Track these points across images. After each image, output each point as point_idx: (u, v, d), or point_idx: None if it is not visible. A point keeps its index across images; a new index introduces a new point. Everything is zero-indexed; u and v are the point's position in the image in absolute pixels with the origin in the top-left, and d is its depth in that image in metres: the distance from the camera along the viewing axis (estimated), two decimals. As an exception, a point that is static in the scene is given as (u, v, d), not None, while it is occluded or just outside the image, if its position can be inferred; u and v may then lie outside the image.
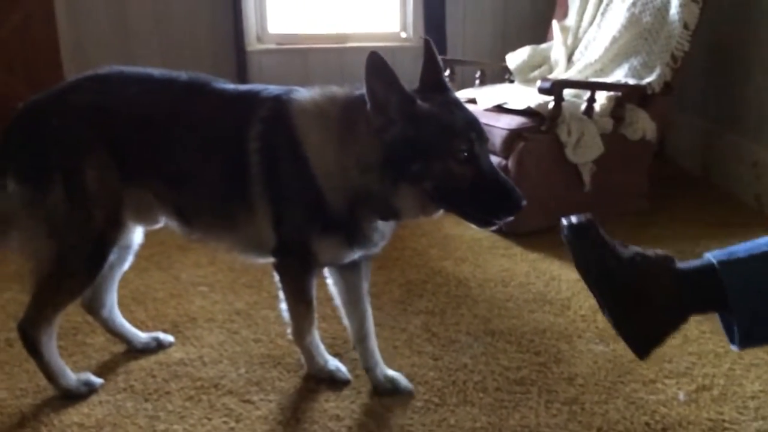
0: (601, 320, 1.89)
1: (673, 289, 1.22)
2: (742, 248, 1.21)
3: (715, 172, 3.04)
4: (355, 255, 1.47)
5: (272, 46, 3.54)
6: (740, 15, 2.86)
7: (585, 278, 1.28)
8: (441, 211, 1.37)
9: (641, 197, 2.73)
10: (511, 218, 1.34)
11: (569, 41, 2.94)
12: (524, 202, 1.31)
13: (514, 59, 3.03)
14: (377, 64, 1.24)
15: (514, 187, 1.31)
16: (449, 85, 1.41)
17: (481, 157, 1.31)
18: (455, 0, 3.49)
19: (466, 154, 1.29)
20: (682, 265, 1.25)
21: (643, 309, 1.23)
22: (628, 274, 1.22)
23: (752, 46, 2.79)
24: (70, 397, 1.53)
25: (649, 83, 2.56)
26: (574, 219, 1.27)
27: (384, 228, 1.44)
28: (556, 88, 2.38)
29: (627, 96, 2.54)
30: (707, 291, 1.21)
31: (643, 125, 2.57)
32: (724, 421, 1.46)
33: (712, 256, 1.22)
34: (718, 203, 2.82)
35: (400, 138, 1.28)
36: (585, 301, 2.00)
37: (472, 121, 1.33)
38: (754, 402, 1.52)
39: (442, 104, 1.32)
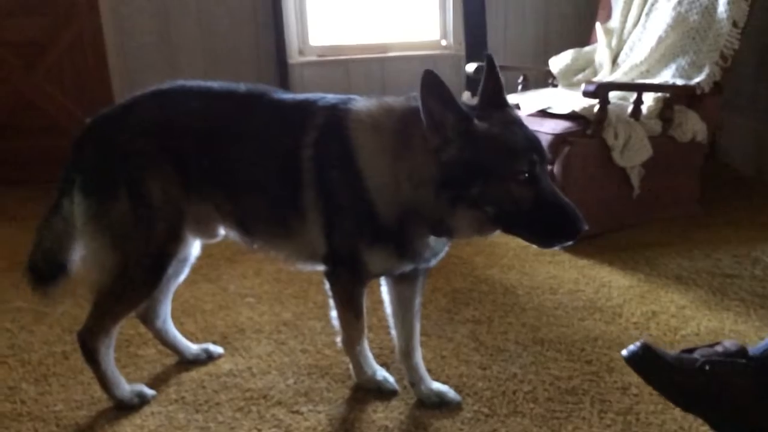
0: (655, 327, 1.85)
1: (752, 384, 1.19)
2: None
3: (770, 173, 2.95)
4: (406, 268, 1.45)
5: (313, 58, 3.57)
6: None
7: (676, 404, 1.28)
8: (497, 231, 1.32)
9: (693, 201, 2.65)
10: (571, 242, 1.29)
11: (614, 43, 2.89)
12: (586, 227, 1.25)
13: (557, 63, 2.99)
14: (432, 82, 1.20)
15: (575, 211, 1.26)
16: (509, 102, 1.36)
17: (541, 178, 1.25)
18: (495, 6, 3.47)
19: (527, 175, 1.23)
20: (756, 350, 1.22)
21: (737, 412, 1.20)
22: (705, 387, 1.20)
23: (806, 41, 2.70)
24: (124, 408, 1.56)
25: (698, 83, 2.50)
26: (626, 353, 1.26)
27: (436, 244, 1.41)
28: (601, 91, 2.34)
29: (675, 97, 2.49)
30: None
31: (692, 126, 2.50)
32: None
33: None
34: (775, 205, 2.73)
35: (458, 159, 1.24)
36: (637, 309, 1.95)
37: (533, 141, 1.27)
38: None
39: (502, 123, 1.27)
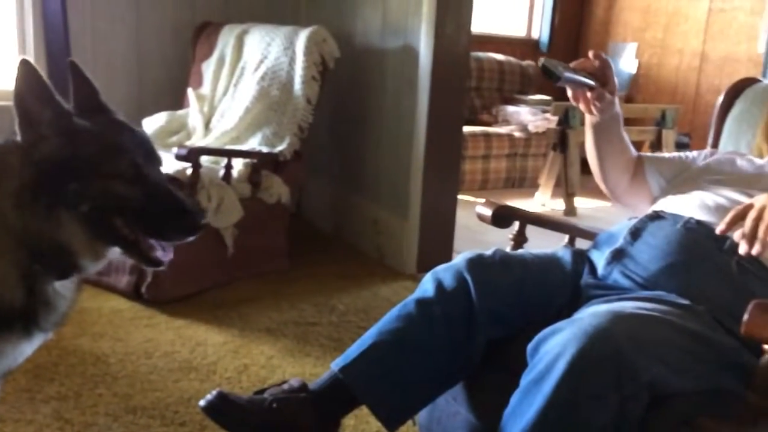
0: (246, 380, 1.95)
1: (315, 414, 1.32)
2: (354, 348, 1.35)
3: (345, 230, 3.38)
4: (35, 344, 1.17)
5: None
6: (355, 92, 3.27)
7: None
8: (115, 251, 1.18)
9: (281, 257, 2.89)
10: (192, 238, 1.25)
11: (206, 109, 3.03)
12: (204, 220, 1.22)
13: (151, 124, 3.00)
14: (30, 73, 1.07)
15: (193, 207, 1.21)
16: (110, 106, 1.29)
17: (152, 176, 1.18)
18: (83, 64, 3.32)
19: (133, 173, 1.14)
20: (313, 385, 1.36)
21: None
22: (275, 422, 1.29)
23: (365, 119, 3.21)
24: None
25: (281, 151, 2.76)
26: (203, 403, 1.30)
27: (61, 294, 1.17)
28: (193, 156, 2.42)
29: (262, 163, 2.71)
30: (344, 398, 1.33)
31: (278, 190, 2.75)
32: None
33: (334, 365, 1.35)
34: (348, 258, 3.13)
35: (54, 156, 1.09)
36: (230, 364, 2.03)
37: (141, 139, 1.20)
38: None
39: (105, 123, 1.18)
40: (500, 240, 1.70)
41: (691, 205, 1.40)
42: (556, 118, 4.57)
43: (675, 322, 1.12)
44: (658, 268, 1.29)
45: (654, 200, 1.57)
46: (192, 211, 1.21)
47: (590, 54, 1.44)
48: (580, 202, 4.53)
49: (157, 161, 1.25)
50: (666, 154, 1.75)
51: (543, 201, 4.61)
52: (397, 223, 3.02)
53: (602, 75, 1.43)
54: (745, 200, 1.20)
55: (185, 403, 1.79)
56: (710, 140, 1.76)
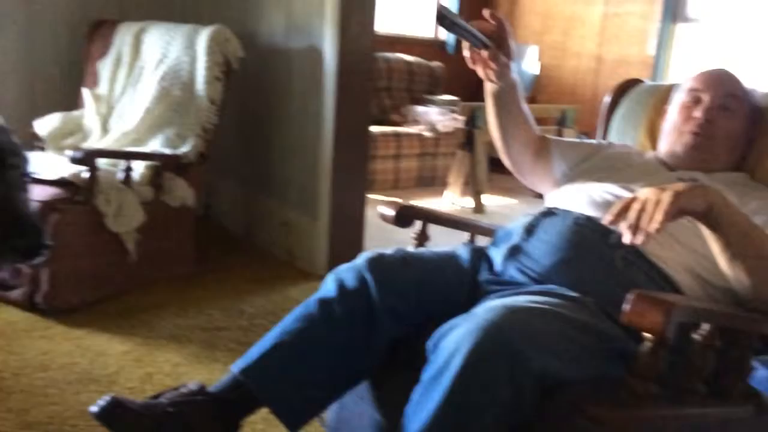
0: (150, 389, 1.89)
1: (213, 418, 1.30)
2: (254, 350, 1.34)
3: (255, 233, 3.34)
4: None
5: None
6: (262, 93, 3.24)
7: None
8: None
9: (188, 261, 2.82)
10: (31, 261, 1.18)
11: (103, 109, 2.92)
12: (49, 243, 1.17)
13: (44, 126, 2.86)
14: None
15: (31, 228, 1.16)
16: None
17: (11, 185, 1.14)
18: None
19: None
20: (213, 388, 1.34)
21: None
22: (172, 427, 1.26)
23: (273, 119, 3.19)
24: None
25: (185, 153, 2.70)
26: (95, 408, 1.26)
27: None
28: (89, 158, 2.33)
29: (164, 165, 2.63)
30: (244, 400, 1.32)
31: (182, 193, 2.68)
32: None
33: (234, 367, 1.33)
34: (259, 260, 3.09)
35: None
36: (133, 373, 1.97)
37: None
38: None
39: None
40: (411, 239, 1.72)
41: (581, 201, 1.47)
42: (463, 118, 4.68)
43: (564, 314, 1.17)
44: (550, 263, 1.34)
45: (556, 183, 1.62)
46: (36, 231, 1.13)
47: (485, 14, 1.42)
48: (488, 200, 4.65)
49: (20, 168, 1.16)
50: (572, 140, 1.81)
51: (452, 199, 4.70)
52: (307, 224, 3.01)
53: (498, 37, 1.43)
54: (630, 196, 1.26)
55: (84, 416, 1.72)
56: (597, 138, 1.85)
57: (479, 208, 4.53)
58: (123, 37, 3.00)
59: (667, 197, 1.08)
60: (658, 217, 1.07)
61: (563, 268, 1.33)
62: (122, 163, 2.53)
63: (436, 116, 5.30)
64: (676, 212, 1.09)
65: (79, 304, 2.36)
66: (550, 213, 1.46)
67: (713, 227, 1.16)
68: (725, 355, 1.17)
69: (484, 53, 1.43)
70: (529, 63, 6.30)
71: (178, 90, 2.78)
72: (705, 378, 1.16)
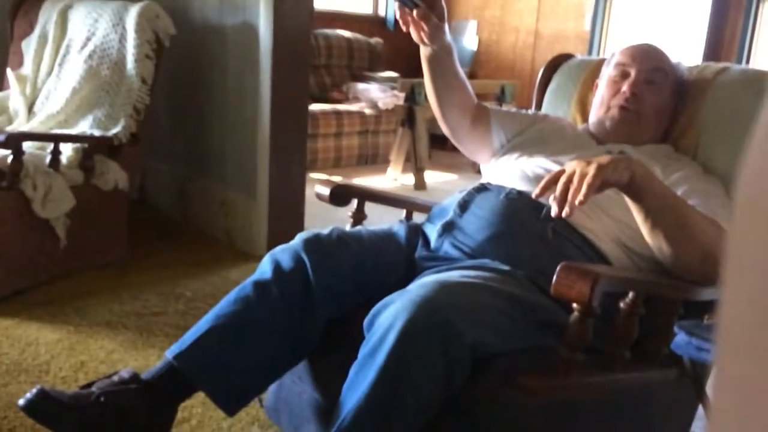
0: (83, 377, 1.85)
1: (147, 405, 1.27)
2: (189, 334, 1.32)
3: (192, 215, 3.28)
4: None
5: None
6: (195, 71, 3.16)
7: None
8: None
9: (121, 246, 2.75)
10: None
11: (28, 91, 2.79)
12: None
13: (-35, 109, 2.73)
14: None
15: None
16: None
17: None
18: None
19: None
20: (146, 375, 1.31)
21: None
22: (103, 417, 1.23)
23: (208, 98, 3.11)
24: None
25: (116, 134, 2.61)
26: (22, 402, 1.22)
27: None
28: (13, 141, 2.23)
29: (94, 147, 2.54)
30: (179, 386, 1.31)
31: (114, 175, 2.60)
32: (202, 446, 1.58)
33: (169, 352, 1.31)
34: (196, 243, 3.04)
35: None
36: (65, 362, 1.92)
37: None
38: (227, 422, 1.68)
39: None
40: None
41: (513, 176, 1.49)
42: (403, 95, 4.67)
43: (495, 287, 1.19)
44: (483, 238, 1.36)
45: (494, 154, 1.63)
46: None
47: None
48: (430, 176, 4.68)
49: None
50: (509, 110, 1.81)
51: (395, 176, 4.71)
52: (245, 204, 2.97)
53: None
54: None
55: (14, 407, 1.66)
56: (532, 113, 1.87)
57: (421, 185, 4.55)
58: (48, 13, 2.87)
59: (591, 170, 1.11)
60: (584, 189, 1.09)
61: (496, 243, 1.35)
62: (50, 146, 2.44)
63: (377, 93, 5.28)
64: (600, 184, 1.11)
65: (7, 292, 2.27)
66: (483, 188, 1.47)
67: (636, 198, 1.19)
68: (649, 321, 1.21)
69: (417, 14, 1.42)
70: (468, 38, 6.33)
71: (106, 69, 2.68)
72: (630, 345, 1.19)
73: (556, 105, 1.83)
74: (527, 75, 5.88)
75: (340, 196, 1.67)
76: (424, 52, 1.54)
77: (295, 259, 1.35)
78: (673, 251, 1.21)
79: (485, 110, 1.67)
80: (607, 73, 1.61)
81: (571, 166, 1.16)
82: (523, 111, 1.75)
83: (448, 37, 1.52)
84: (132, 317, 2.23)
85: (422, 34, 1.46)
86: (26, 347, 1.99)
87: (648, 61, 1.56)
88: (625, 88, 1.54)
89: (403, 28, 1.47)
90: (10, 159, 2.25)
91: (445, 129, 1.68)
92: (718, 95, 1.55)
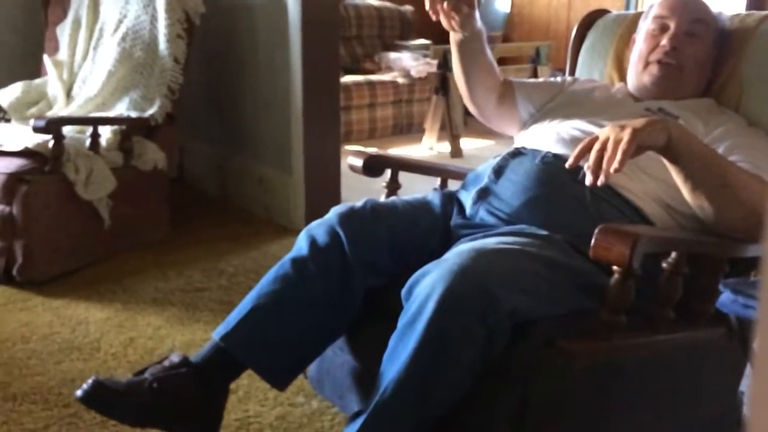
0: (133, 353, 1.90)
1: (200, 387, 1.30)
2: (233, 315, 1.33)
3: (231, 192, 3.31)
4: None
5: None
6: (227, 48, 3.17)
7: (139, 426, 1.31)
8: None
9: (165, 225, 2.80)
10: None
11: (65, 76, 2.84)
12: None
13: (6, 96, 2.79)
14: None
15: None
16: None
17: None
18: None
19: None
20: (195, 357, 1.34)
21: (189, 416, 1.30)
22: (158, 402, 1.26)
23: (240, 75, 3.12)
24: None
25: (152, 115, 2.64)
26: (80, 393, 1.25)
27: None
28: (53, 126, 2.28)
29: (132, 129, 2.58)
30: (227, 366, 1.33)
31: (152, 156, 2.64)
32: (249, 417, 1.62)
33: (215, 334, 1.33)
34: (235, 219, 3.07)
35: None
36: (115, 339, 1.97)
37: None
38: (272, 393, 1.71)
39: None
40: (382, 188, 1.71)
41: (549, 139, 1.46)
42: (436, 62, 4.61)
43: (533, 252, 1.17)
44: (519, 203, 1.34)
45: (523, 125, 1.61)
46: None
47: None
48: (466, 143, 4.63)
49: None
50: (535, 80, 1.79)
51: (430, 145, 4.68)
52: (282, 179, 2.99)
53: None
54: (597, 131, 1.25)
55: (68, 384, 1.73)
56: (567, 72, 1.83)
57: (457, 152, 4.51)
58: (79, -1, 2.90)
59: (626, 135, 1.07)
60: (619, 156, 1.06)
61: (532, 207, 1.33)
62: (89, 130, 2.48)
63: (409, 62, 5.22)
64: (635, 149, 1.08)
65: (57, 274, 2.34)
66: (518, 153, 1.45)
67: (674, 160, 1.15)
68: (693, 281, 1.19)
69: (447, 5, 1.41)
70: (500, 1, 6.20)
71: (140, 50, 2.71)
72: (674, 305, 1.17)
73: (591, 64, 1.78)
74: (563, 35, 5.73)
75: (372, 167, 1.66)
76: (454, 37, 1.53)
77: (330, 233, 1.35)
78: (715, 211, 1.18)
79: (509, 84, 1.65)
80: (645, 26, 1.56)
81: (605, 132, 1.13)
82: (551, 79, 1.72)
83: (479, 23, 1.51)
84: (177, 293, 2.28)
85: (453, 22, 1.45)
86: (77, 326, 2.05)
87: (688, 13, 1.50)
88: (664, 41, 1.49)
89: (433, 18, 1.46)
90: (51, 144, 2.30)
91: (471, 108, 1.67)
92: (761, 45, 1.48)
